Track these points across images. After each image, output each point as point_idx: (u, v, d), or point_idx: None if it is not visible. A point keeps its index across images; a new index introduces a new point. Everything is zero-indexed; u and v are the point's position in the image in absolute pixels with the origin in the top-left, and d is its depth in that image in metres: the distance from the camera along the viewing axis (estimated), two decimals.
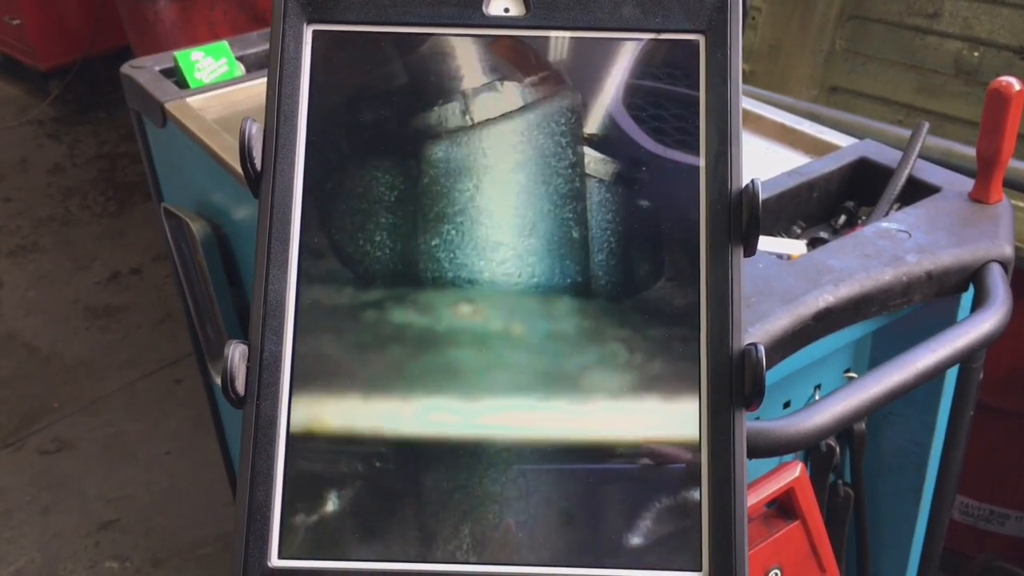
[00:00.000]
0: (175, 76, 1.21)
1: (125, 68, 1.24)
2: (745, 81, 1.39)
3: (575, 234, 0.38)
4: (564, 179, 0.39)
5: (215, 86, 1.19)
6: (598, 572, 0.35)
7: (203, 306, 1.23)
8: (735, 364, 0.36)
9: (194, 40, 1.85)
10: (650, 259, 0.38)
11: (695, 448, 0.36)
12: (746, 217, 0.37)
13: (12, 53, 3.43)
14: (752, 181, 0.37)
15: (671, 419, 0.36)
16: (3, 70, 3.61)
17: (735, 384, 0.36)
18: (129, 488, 1.93)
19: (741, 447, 0.36)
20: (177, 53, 1.21)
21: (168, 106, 1.14)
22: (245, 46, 1.29)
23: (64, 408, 2.14)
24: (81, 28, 3.24)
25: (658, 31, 0.40)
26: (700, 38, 0.39)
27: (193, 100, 1.15)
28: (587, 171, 0.39)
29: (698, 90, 0.39)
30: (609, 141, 0.39)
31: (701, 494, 0.36)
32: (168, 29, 2.48)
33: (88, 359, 2.28)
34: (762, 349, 0.36)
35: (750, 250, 0.38)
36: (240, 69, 1.24)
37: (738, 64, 0.39)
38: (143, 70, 1.22)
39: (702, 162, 0.38)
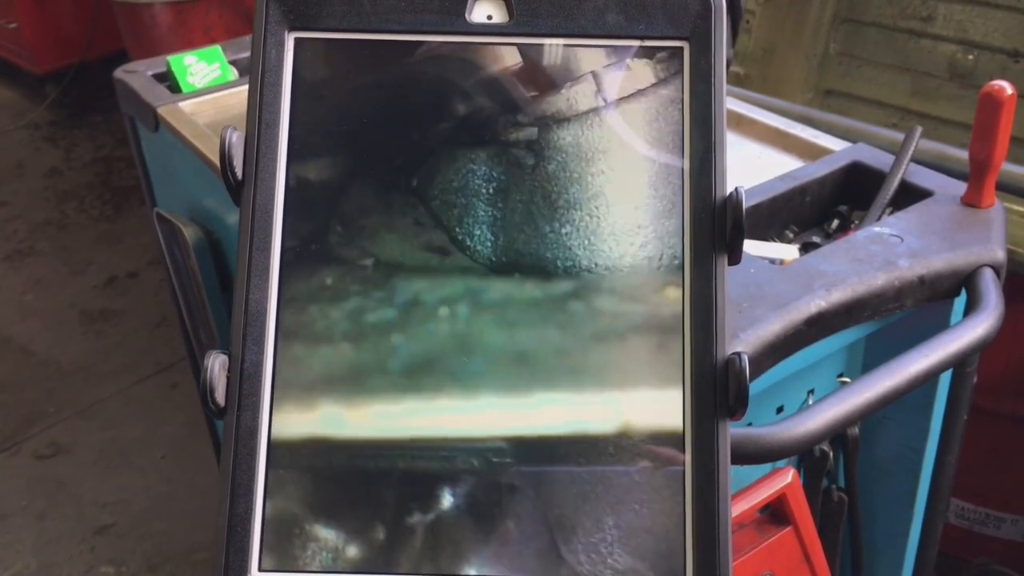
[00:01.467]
0: (168, 80, 1.21)
1: (118, 73, 1.24)
2: (739, 84, 1.38)
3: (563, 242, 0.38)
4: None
5: (208, 90, 1.19)
6: None
7: (196, 311, 1.23)
8: (719, 373, 0.36)
9: (190, 44, 1.85)
10: (637, 263, 0.38)
11: (679, 457, 0.36)
12: (730, 225, 0.37)
13: (8, 57, 3.43)
14: (736, 189, 0.37)
15: (654, 428, 0.36)
16: None
17: (719, 393, 0.36)
18: (125, 493, 1.92)
19: (725, 456, 0.36)
20: (170, 57, 1.20)
21: (160, 111, 1.14)
22: (238, 50, 1.28)
23: (60, 413, 2.14)
24: (78, 32, 3.23)
25: (642, 38, 0.39)
26: (684, 45, 0.39)
27: (185, 104, 1.15)
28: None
29: (682, 96, 0.39)
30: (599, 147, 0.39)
31: (685, 502, 0.36)
32: (164, 33, 2.48)
33: (84, 363, 2.28)
34: (746, 358, 0.36)
35: (735, 258, 0.38)
36: (233, 73, 1.24)
37: (722, 71, 0.39)
38: (136, 74, 1.22)
39: (686, 168, 0.38)
